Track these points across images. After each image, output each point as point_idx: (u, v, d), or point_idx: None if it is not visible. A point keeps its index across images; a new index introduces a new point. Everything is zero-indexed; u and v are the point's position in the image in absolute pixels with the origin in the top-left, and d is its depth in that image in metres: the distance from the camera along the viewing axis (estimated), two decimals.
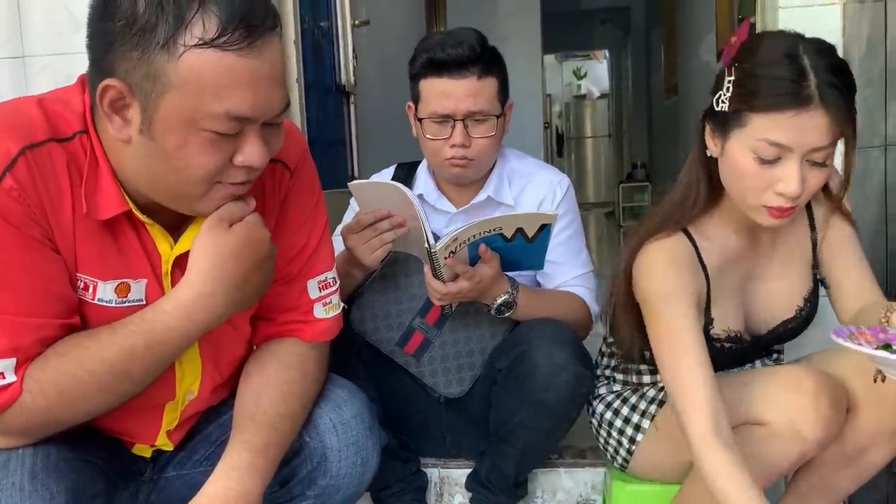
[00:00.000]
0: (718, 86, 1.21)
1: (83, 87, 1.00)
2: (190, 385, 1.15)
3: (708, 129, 1.23)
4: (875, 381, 1.15)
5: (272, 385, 1.13)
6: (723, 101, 1.19)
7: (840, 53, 1.20)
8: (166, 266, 1.06)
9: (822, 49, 1.15)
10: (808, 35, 1.18)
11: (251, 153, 0.95)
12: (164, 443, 1.19)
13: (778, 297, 1.37)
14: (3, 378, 0.94)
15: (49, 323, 0.96)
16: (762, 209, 1.19)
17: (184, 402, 1.16)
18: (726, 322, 1.32)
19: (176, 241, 1.06)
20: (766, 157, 1.15)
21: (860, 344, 1.05)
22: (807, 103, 1.11)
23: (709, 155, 1.24)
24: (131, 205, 1.00)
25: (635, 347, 1.36)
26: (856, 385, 1.26)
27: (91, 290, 1.01)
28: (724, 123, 1.19)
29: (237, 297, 1.04)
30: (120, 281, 1.03)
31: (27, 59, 1.80)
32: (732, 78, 1.18)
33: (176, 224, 1.06)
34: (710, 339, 1.30)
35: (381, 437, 1.24)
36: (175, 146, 0.92)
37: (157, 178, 0.96)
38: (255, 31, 0.90)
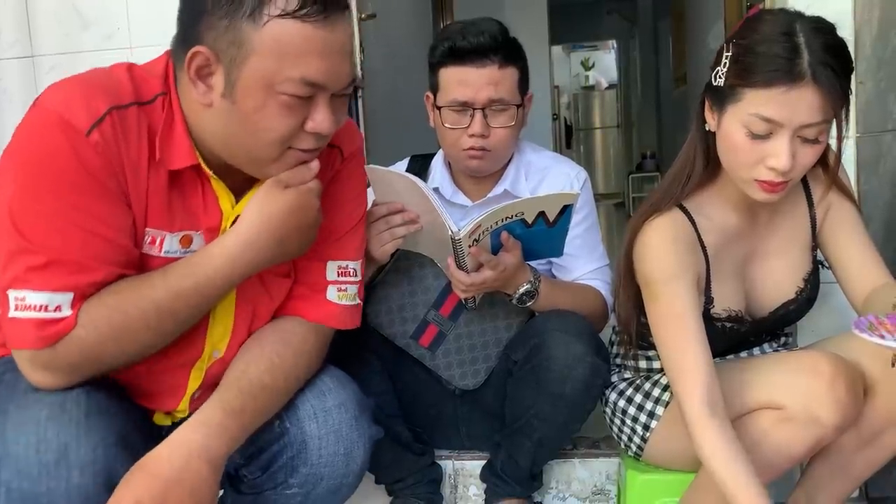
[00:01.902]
0: (717, 61, 1.23)
1: (168, 57, 1.10)
2: (217, 342, 1.18)
3: (707, 103, 1.26)
4: (893, 365, 1.14)
5: (264, 356, 1.16)
6: (720, 77, 1.22)
7: (851, 37, 1.20)
8: (226, 224, 1.13)
9: (820, 28, 1.17)
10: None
11: (321, 120, 1.05)
12: (184, 409, 1.21)
13: (778, 277, 1.38)
14: (60, 310, 1.00)
15: (108, 270, 1.03)
16: (754, 183, 1.22)
17: (210, 360, 1.19)
18: (726, 302, 1.33)
19: (237, 201, 1.13)
20: (758, 132, 1.17)
21: (882, 336, 1.05)
22: (798, 80, 1.13)
23: (707, 129, 1.27)
24: (200, 159, 1.08)
25: (633, 324, 1.39)
26: (871, 368, 1.25)
27: (158, 243, 1.09)
28: (721, 98, 1.22)
29: (275, 252, 1.12)
30: (184, 233, 1.11)
31: (36, 59, 1.80)
32: (730, 54, 1.21)
33: (239, 187, 1.14)
34: (710, 319, 1.32)
35: (370, 431, 1.23)
36: (254, 108, 1.02)
37: (235, 140, 1.06)
38: (329, 6, 1.01)
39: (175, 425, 1.20)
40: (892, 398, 1.24)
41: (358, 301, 1.27)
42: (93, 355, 1.03)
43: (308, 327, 1.22)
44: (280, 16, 0.98)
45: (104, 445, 1.00)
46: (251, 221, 1.09)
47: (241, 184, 1.14)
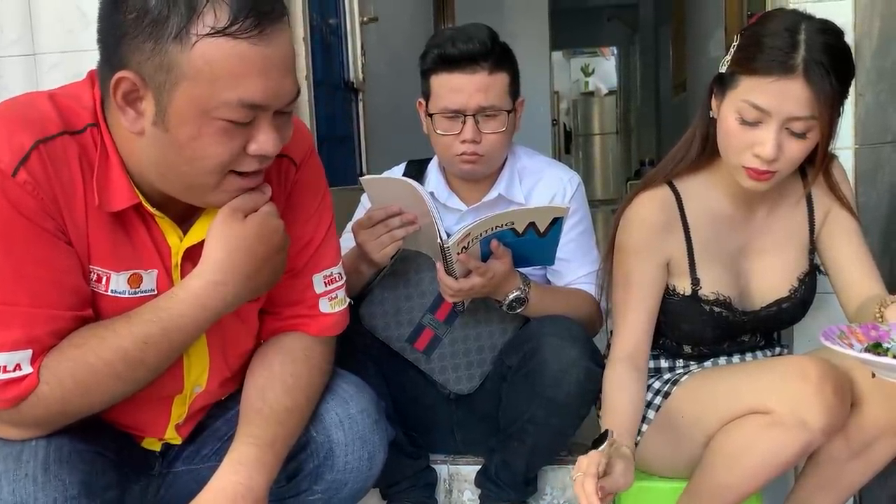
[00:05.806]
0: (727, 50, 1.29)
1: (92, 82, 1.02)
2: (198, 378, 1.15)
3: (713, 90, 1.32)
4: (873, 376, 1.15)
5: (277, 379, 1.14)
6: (725, 64, 1.28)
7: (850, 48, 1.22)
8: (176, 258, 1.07)
9: (825, 29, 1.21)
10: None
11: (265, 142, 0.97)
12: (173, 436, 1.20)
13: (771, 272, 1.41)
14: (20, 369, 0.95)
15: (63, 315, 0.97)
16: (742, 169, 1.27)
17: (192, 395, 1.16)
18: (716, 286, 1.37)
19: (185, 233, 1.07)
20: (748, 119, 1.23)
21: (850, 345, 1.06)
22: (789, 72, 1.18)
23: (711, 116, 1.32)
24: (141, 197, 1.01)
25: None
26: (862, 379, 1.25)
27: (104, 281, 1.02)
28: (723, 85, 1.28)
29: (249, 287, 1.05)
30: (132, 272, 1.04)
31: (38, 57, 1.80)
32: (737, 43, 1.27)
33: (185, 216, 1.07)
34: (699, 300, 1.37)
35: (388, 432, 1.24)
36: (189, 136, 0.93)
37: (170, 169, 0.97)
38: (265, 18, 0.92)
39: (165, 449, 1.21)
40: (882, 408, 1.24)
41: (348, 301, 1.25)
42: (59, 410, 0.98)
43: (312, 340, 1.19)
44: (210, 34, 0.89)
45: (63, 499, 0.95)
46: (216, 260, 1.02)
47: (185, 212, 1.06)
